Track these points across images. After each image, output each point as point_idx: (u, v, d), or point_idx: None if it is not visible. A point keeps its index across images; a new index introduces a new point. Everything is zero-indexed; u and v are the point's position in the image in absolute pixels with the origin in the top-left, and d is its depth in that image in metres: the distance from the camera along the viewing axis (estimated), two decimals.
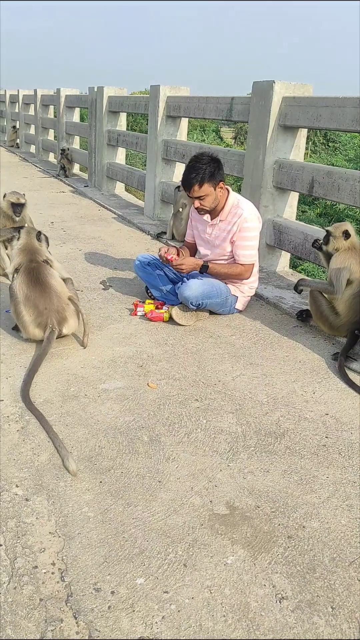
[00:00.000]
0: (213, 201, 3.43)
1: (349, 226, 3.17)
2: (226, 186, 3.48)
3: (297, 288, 3.44)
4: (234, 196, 3.52)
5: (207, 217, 3.58)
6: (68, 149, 9.69)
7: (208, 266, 3.49)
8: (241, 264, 3.52)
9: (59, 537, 1.76)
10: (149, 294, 3.81)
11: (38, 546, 1.72)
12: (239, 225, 3.44)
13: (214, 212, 3.53)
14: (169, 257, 3.48)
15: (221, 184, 3.42)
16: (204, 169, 3.34)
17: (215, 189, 3.39)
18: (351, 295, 3.08)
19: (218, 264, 3.55)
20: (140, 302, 3.67)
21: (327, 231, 3.23)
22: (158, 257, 3.63)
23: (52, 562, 1.67)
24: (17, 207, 3.99)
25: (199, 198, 3.40)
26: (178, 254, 3.69)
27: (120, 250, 5.14)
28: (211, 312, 3.61)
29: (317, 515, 1.90)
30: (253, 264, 3.56)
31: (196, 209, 3.50)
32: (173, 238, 5.38)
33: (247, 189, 4.54)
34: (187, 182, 3.39)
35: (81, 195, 7.97)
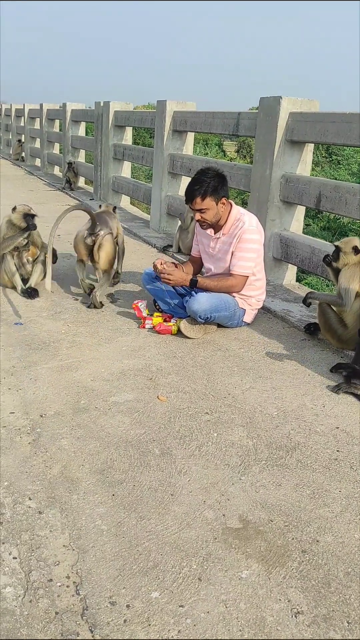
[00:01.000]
0: (214, 216, 3.45)
1: (357, 242, 3.19)
2: (229, 201, 3.51)
3: (305, 301, 3.45)
4: (236, 210, 3.54)
5: (210, 231, 3.60)
6: (74, 162, 9.78)
7: (197, 281, 3.48)
8: (233, 274, 3.49)
9: (73, 550, 1.76)
10: (157, 307, 3.82)
11: (52, 559, 1.72)
12: (239, 236, 3.46)
13: (217, 227, 3.56)
14: (158, 266, 3.48)
15: (224, 199, 3.44)
16: (208, 182, 3.37)
17: (217, 204, 3.42)
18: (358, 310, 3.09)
19: (208, 278, 3.55)
20: (140, 300, 3.69)
21: (336, 247, 3.25)
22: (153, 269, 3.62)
23: (67, 575, 1.66)
24: (29, 217, 4.04)
25: (200, 211, 3.43)
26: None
27: (127, 263, 5.15)
28: (219, 325, 3.63)
29: (331, 530, 1.90)
30: (246, 276, 3.51)
31: (197, 221, 3.52)
32: (179, 251, 5.41)
33: (254, 203, 4.58)
34: (190, 194, 3.42)
35: None
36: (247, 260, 3.49)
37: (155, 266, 3.54)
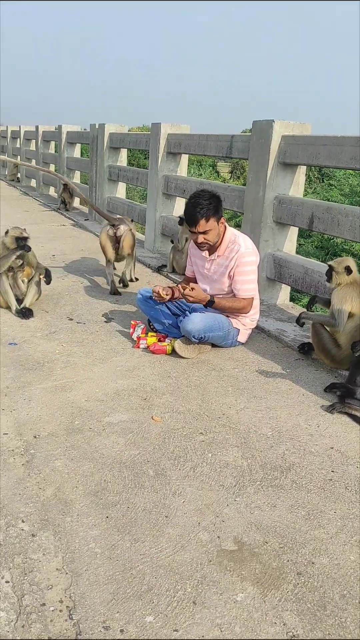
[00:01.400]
0: (216, 236, 3.48)
1: (350, 262, 3.23)
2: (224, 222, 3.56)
3: (299, 321, 3.48)
4: (230, 231, 3.58)
5: (205, 252, 3.63)
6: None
7: (214, 301, 3.52)
8: (243, 298, 3.57)
9: (67, 573, 1.74)
10: (152, 327, 3.83)
11: (45, 583, 1.70)
12: (237, 260, 3.49)
13: (212, 248, 3.59)
14: (160, 291, 3.53)
15: (222, 219, 3.49)
16: (208, 204, 3.40)
17: (218, 224, 3.46)
18: (353, 328, 3.12)
19: (223, 299, 3.58)
20: (138, 322, 3.75)
21: (329, 266, 3.28)
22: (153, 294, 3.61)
23: (60, 600, 1.64)
24: (21, 240, 4.06)
25: (203, 232, 3.45)
26: (173, 294, 3.64)
27: None
28: (213, 345, 3.63)
29: (326, 551, 1.89)
30: (253, 297, 3.60)
31: (199, 244, 3.51)
32: (174, 271, 5.44)
33: (248, 224, 4.62)
34: (193, 217, 3.42)
35: (82, 229, 8.08)
36: (249, 282, 3.55)
37: (157, 292, 3.55)
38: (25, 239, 4.10)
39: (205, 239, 3.46)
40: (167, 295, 3.58)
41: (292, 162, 4.30)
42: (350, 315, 3.13)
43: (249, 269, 3.53)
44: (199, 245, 3.53)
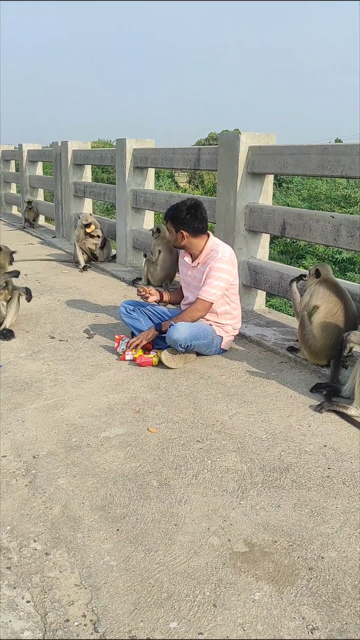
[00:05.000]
0: (175, 240, 3.72)
1: (320, 267, 3.54)
2: (208, 231, 3.69)
3: None
4: (213, 241, 3.68)
5: (188, 259, 3.74)
6: (33, 201, 9.79)
7: (161, 325, 3.67)
8: (197, 299, 3.60)
9: (86, 588, 1.77)
10: None
11: (66, 599, 1.72)
12: (211, 264, 3.59)
13: (193, 255, 3.70)
14: (147, 290, 3.89)
15: (184, 233, 3.63)
16: (176, 211, 3.68)
17: (176, 233, 3.67)
18: (321, 321, 3.34)
19: (170, 319, 3.69)
20: (122, 336, 3.81)
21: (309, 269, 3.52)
22: (140, 297, 3.91)
23: (83, 614, 1.67)
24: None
25: (169, 231, 3.78)
26: (161, 298, 3.93)
27: (98, 298, 5.22)
28: (198, 354, 3.70)
29: (333, 545, 1.96)
30: (210, 303, 3.59)
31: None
32: (149, 284, 5.49)
33: (221, 233, 4.72)
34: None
35: (50, 246, 8.06)
36: (213, 287, 3.58)
37: (139, 291, 3.88)
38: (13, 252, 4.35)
39: (169, 237, 3.82)
40: (152, 295, 3.86)
41: (261, 171, 4.42)
42: (316, 308, 3.37)
43: (218, 274, 3.57)
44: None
